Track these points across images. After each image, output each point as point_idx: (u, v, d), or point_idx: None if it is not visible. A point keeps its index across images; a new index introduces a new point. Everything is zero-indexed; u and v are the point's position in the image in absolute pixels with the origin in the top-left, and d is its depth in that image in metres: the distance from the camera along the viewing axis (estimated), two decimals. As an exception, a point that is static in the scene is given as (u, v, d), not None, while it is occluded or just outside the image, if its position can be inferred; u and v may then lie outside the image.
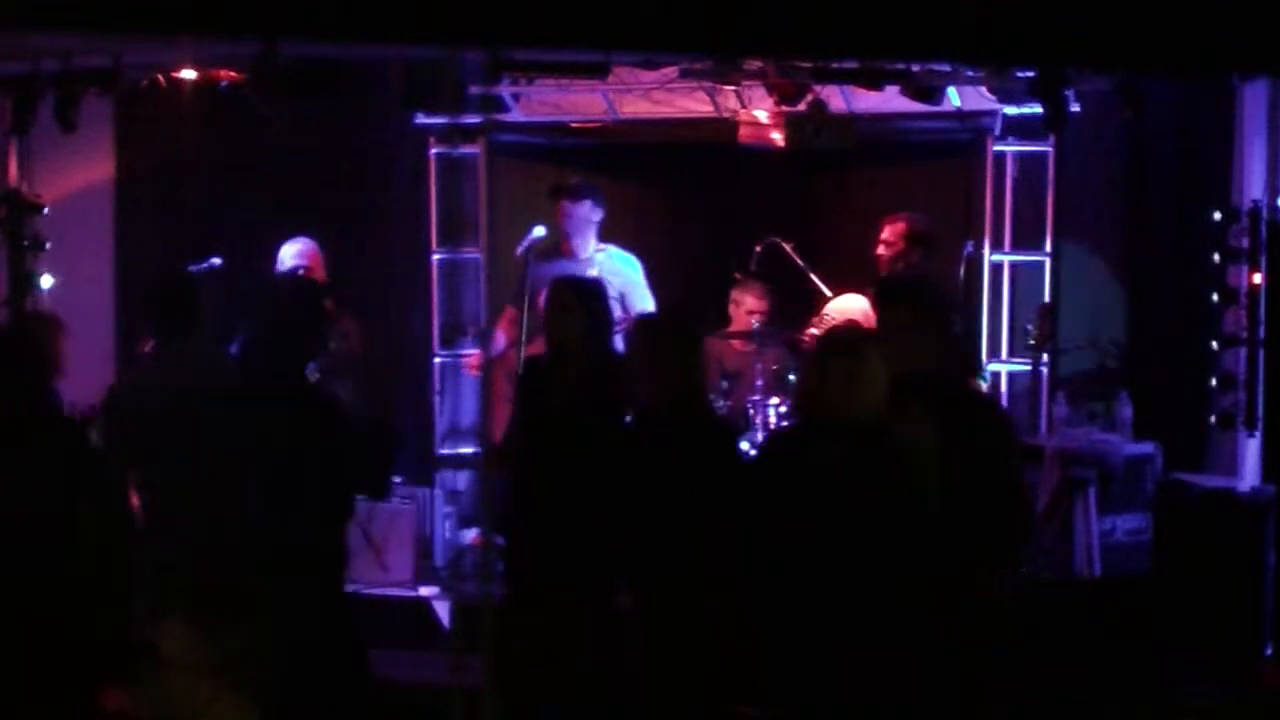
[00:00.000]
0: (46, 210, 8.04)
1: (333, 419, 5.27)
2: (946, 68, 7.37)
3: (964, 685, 4.80)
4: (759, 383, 7.63)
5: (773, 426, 7.41)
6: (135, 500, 5.59)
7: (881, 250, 7.80)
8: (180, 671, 3.29)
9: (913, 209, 7.94)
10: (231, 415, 5.36)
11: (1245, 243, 7.24)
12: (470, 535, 8.21)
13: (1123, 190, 8.61)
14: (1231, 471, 7.45)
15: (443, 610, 7.35)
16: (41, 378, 5.46)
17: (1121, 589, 6.67)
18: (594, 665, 5.40)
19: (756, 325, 7.98)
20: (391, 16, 3.23)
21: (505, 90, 8.51)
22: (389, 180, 9.00)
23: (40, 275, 7.95)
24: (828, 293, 7.82)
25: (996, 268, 8.54)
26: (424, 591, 7.58)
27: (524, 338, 7.36)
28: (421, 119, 8.56)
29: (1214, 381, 7.37)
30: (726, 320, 8.14)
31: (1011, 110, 8.25)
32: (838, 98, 7.94)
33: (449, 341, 8.81)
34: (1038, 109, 7.43)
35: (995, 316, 8.47)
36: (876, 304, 5.66)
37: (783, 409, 7.44)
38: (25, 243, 7.93)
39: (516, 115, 8.78)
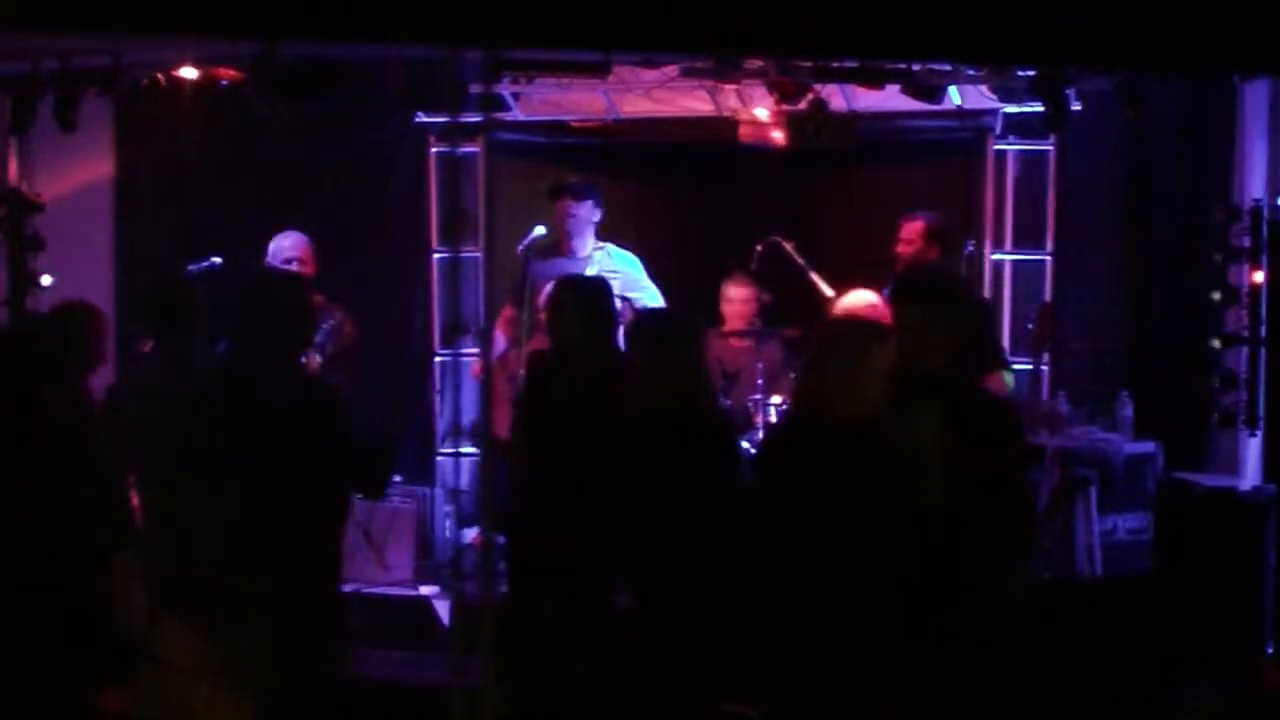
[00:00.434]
0: (46, 209, 8.05)
1: (331, 408, 5.25)
2: (947, 67, 7.36)
3: (964, 685, 4.79)
4: (759, 381, 7.62)
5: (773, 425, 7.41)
6: (135, 500, 5.59)
7: (901, 249, 7.77)
8: (179, 672, 3.30)
9: (914, 208, 7.93)
10: (230, 414, 5.34)
11: (1246, 242, 7.24)
12: (470, 534, 8.21)
13: (1123, 189, 8.61)
14: (1232, 471, 7.45)
15: (443, 610, 7.35)
16: (77, 368, 5.47)
17: (1122, 588, 6.67)
18: (594, 665, 5.40)
19: (750, 321, 7.97)
20: (391, 16, 3.22)
21: (505, 89, 8.51)
22: (389, 180, 9.01)
23: (40, 275, 7.96)
24: (828, 292, 7.81)
25: (997, 267, 8.55)
26: (424, 591, 7.58)
27: (523, 337, 7.36)
28: (422, 118, 8.57)
29: (1215, 381, 7.36)
30: (720, 319, 8.13)
31: (1012, 109, 8.26)
32: (838, 97, 7.94)
33: (449, 341, 8.79)
34: (1038, 108, 7.44)
35: (996, 316, 8.47)
36: (891, 303, 5.65)
37: (784, 407, 7.44)
38: (25, 242, 7.93)
39: (517, 114, 8.78)
